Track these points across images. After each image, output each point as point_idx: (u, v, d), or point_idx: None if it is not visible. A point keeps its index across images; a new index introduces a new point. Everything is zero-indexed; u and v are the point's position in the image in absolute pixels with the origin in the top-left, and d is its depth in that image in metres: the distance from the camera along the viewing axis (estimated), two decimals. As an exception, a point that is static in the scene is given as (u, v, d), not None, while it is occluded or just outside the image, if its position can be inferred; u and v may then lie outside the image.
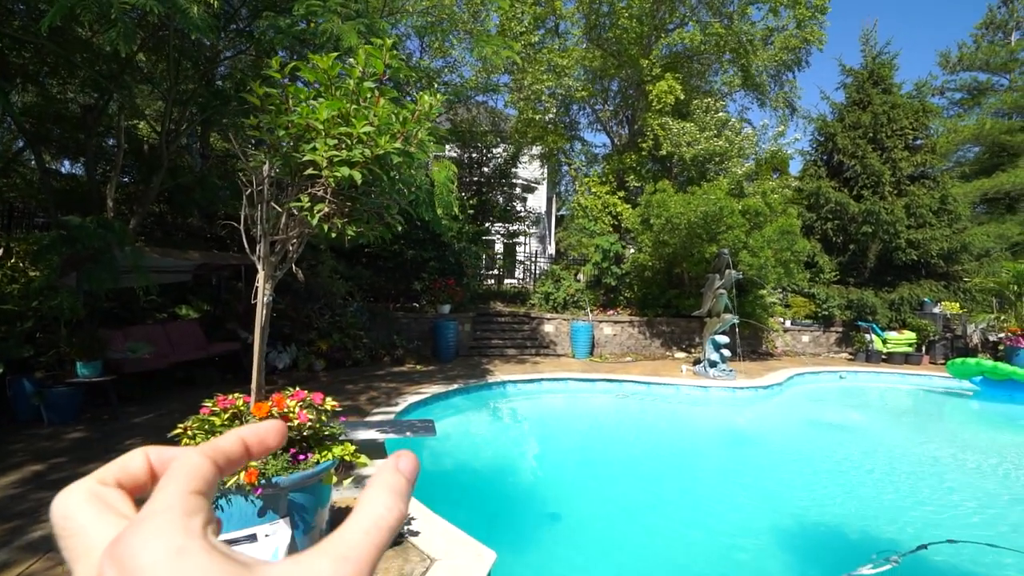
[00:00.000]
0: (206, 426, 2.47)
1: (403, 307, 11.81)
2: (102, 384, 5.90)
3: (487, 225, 15.81)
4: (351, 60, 2.68)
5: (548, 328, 13.00)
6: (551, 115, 14.88)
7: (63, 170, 11.90)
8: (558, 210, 28.01)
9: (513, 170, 15.56)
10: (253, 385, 2.55)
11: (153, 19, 3.70)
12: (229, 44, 6.99)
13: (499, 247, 19.89)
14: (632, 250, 14.43)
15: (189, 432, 2.39)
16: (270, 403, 2.43)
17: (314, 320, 9.22)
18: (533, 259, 17.52)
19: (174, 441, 5.20)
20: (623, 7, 12.82)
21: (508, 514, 4.88)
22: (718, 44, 13.93)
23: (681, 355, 12.98)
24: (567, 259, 18.42)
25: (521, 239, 17.54)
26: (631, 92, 16.17)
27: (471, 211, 14.48)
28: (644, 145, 14.03)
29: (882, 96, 15.01)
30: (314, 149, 2.25)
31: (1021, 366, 11.19)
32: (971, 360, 10.84)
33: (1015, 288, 13.59)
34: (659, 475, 6.01)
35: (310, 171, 2.48)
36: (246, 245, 2.65)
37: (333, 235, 2.49)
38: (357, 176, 2.21)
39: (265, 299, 2.56)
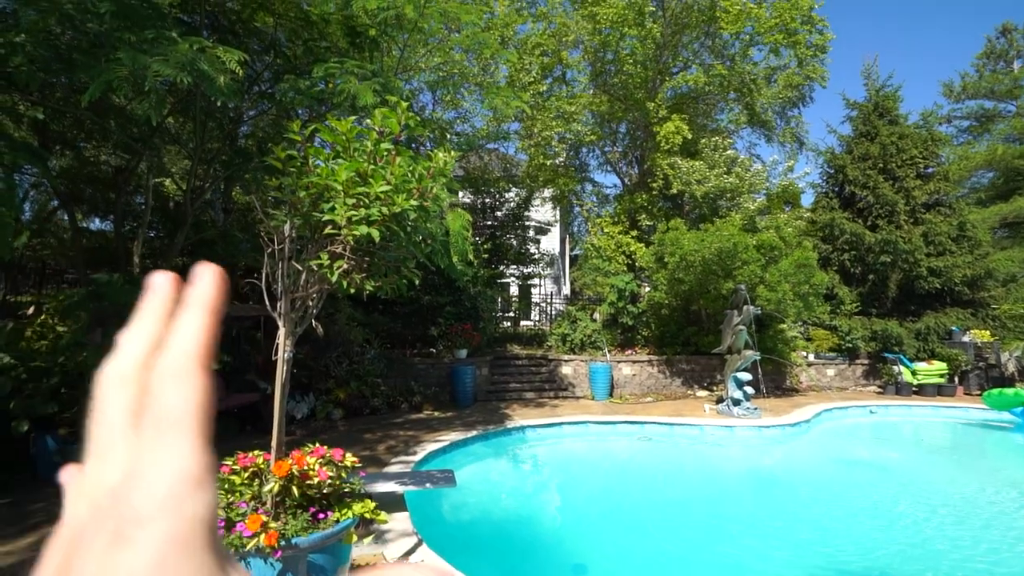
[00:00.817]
0: (226, 485, 2.46)
1: (420, 353, 11.81)
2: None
3: (502, 268, 15.94)
4: (367, 121, 2.81)
5: (566, 370, 12.84)
6: (561, 159, 15.22)
7: (93, 227, 12.42)
8: (571, 250, 28.21)
9: (526, 213, 15.80)
10: (273, 442, 2.54)
11: (182, 86, 3.93)
12: (252, 105, 7.37)
13: (514, 289, 19.98)
14: (647, 288, 14.37)
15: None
16: (290, 461, 2.42)
17: (332, 368, 9.25)
18: (549, 300, 17.52)
19: None
20: (627, 54, 13.28)
21: (530, 566, 4.71)
22: (722, 84, 14.27)
23: (703, 393, 12.68)
24: (582, 299, 18.39)
25: (536, 281, 17.62)
26: (639, 133, 16.53)
27: (485, 255, 14.65)
28: (655, 185, 14.21)
29: (889, 127, 15.12)
30: (333, 209, 2.32)
31: (1062, 396, 10.71)
32: (1009, 390, 10.40)
33: (1047, 314, 13.18)
34: (686, 522, 5.77)
35: (328, 229, 2.55)
36: (267, 301, 2.71)
37: (352, 290, 2.54)
38: (375, 234, 2.28)
39: (286, 355, 2.59)
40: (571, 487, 7.34)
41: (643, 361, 13.08)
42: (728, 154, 13.40)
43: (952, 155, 19.48)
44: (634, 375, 13.00)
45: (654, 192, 14.69)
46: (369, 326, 10.92)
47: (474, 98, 12.10)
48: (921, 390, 12.72)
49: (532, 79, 13.02)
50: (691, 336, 13.32)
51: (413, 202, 2.34)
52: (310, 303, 2.70)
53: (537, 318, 19.76)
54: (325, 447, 2.66)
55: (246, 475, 2.51)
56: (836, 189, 15.95)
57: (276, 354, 2.63)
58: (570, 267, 28.03)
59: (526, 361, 13.18)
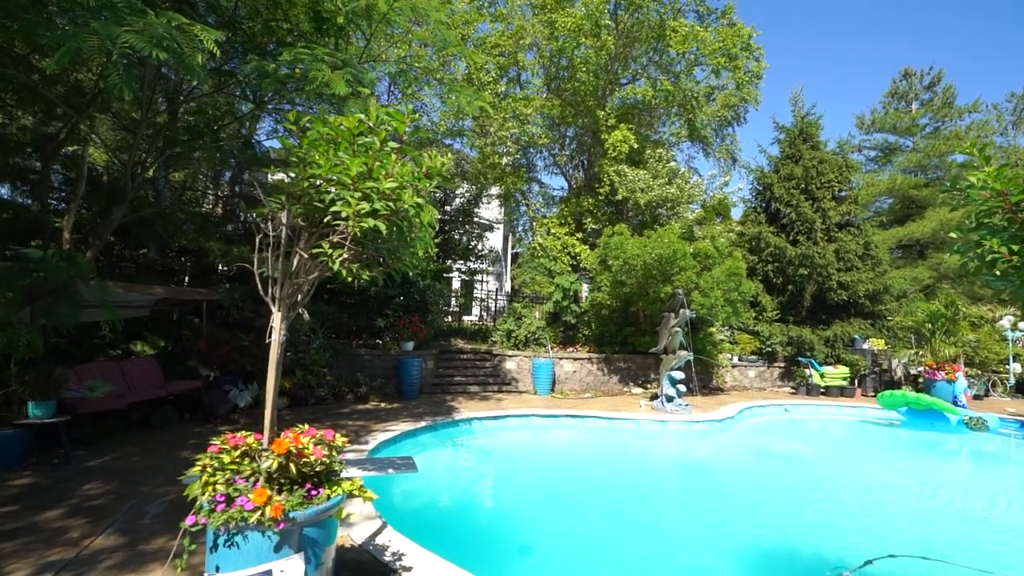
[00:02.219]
0: (216, 463, 2.52)
1: (366, 344, 11.72)
2: (53, 426, 5.58)
3: (448, 263, 16.04)
4: (362, 116, 2.92)
5: (510, 365, 13.17)
6: (510, 158, 15.52)
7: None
8: (513, 248, 28.65)
9: (475, 209, 15.97)
10: (267, 421, 2.62)
11: (153, 61, 3.82)
12: (205, 81, 7.07)
13: (455, 284, 20.08)
14: (586, 288, 14.98)
15: (209, 470, 2.43)
16: (288, 440, 2.51)
17: (277, 357, 9.02)
18: (494, 296, 17.79)
19: (152, 484, 4.96)
20: (581, 62, 13.77)
21: (480, 548, 4.95)
22: (667, 99, 15.12)
23: (638, 391, 13.43)
24: (522, 296, 18.85)
25: (481, 277, 17.82)
26: (586, 139, 17.15)
27: (435, 249, 14.70)
28: (601, 190, 14.83)
29: (811, 152, 16.65)
30: (345, 202, 2.44)
31: (938, 396, 12.36)
32: (898, 392, 11.87)
33: (929, 326, 15.07)
34: (623, 507, 6.22)
35: (328, 219, 2.66)
36: (259, 285, 2.77)
37: (350, 279, 2.66)
38: (382, 226, 2.42)
39: (280, 338, 2.67)
40: (517, 475, 7.65)
41: (583, 359, 13.65)
42: (671, 166, 14.24)
43: (861, 181, 21.67)
44: (575, 371, 13.55)
45: (600, 197, 15.32)
46: (315, 315, 10.70)
47: (433, 93, 12.16)
48: (827, 391, 14.18)
49: (491, 79, 13.23)
50: (629, 336, 14.05)
51: (418, 199, 2.51)
52: (305, 289, 2.79)
53: (480, 314, 20.01)
54: (315, 428, 2.76)
55: (236, 454, 2.57)
56: (764, 205, 17.34)
57: (269, 337, 2.70)
58: (511, 265, 28.48)
59: (471, 355, 13.39)
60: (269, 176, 12.01)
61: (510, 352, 13.30)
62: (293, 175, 2.65)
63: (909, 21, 49.08)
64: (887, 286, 16.30)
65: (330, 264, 2.57)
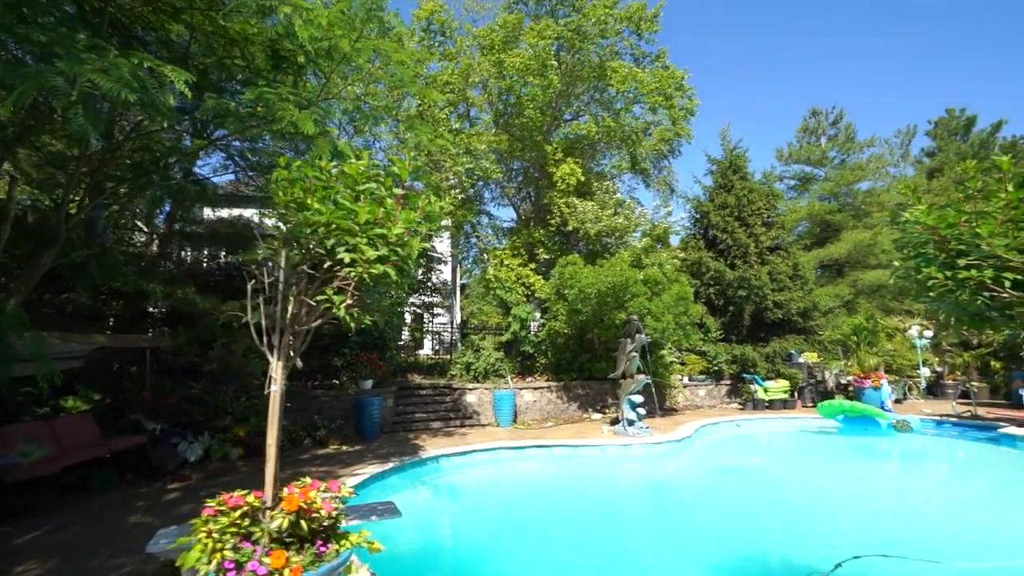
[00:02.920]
0: (216, 527, 2.37)
1: (322, 384, 11.25)
2: (-26, 499, 4.97)
3: (403, 296, 15.81)
4: (364, 163, 2.95)
5: (471, 398, 13.03)
6: (465, 193, 15.73)
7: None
8: (460, 279, 28.67)
9: (432, 243, 15.95)
10: (269, 477, 2.50)
11: (119, 103, 3.68)
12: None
13: (407, 318, 19.79)
14: (538, 316, 15.17)
15: (215, 535, 2.28)
16: (296, 494, 2.41)
17: (229, 404, 8.49)
18: (451, 329, 17.66)
19: (101, 556, 4.45)
20: (528, 100, 14.33)
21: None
22: (609, 134, 15.93)
23: (597, 416, 13.63)
24: (471, 327, 18.83)
25: (437, 310, 17.69)
26: (534, 172, 17.67)
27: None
28: (552, 221, 15.27)
29: (741, 182, 18.00)
30: (349, 248, 2.44)
31: (868, 403, 13.41)
32: (835, 402, 12.78)
33: (855, 338, 16.40)
34: (598, 533, 6.30)
35: (329, 265, 2.65)
36: (253, 334, 2.69)
37: (352, 325, 2.64)
38: (392, 272, 2.44)
39: (280, 388, 2.59)
40: (491, 511, 7.53)
41: (543, 387, 13.74)
42: (617, 197, 14.93)
43: (785, 208, 23.55)
44: (535, 401, 13.59)
45: (551, 228, 15.75)
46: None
47: (388, 129, 12.18)
48: (771, 404, 15.01)
49: (443, 115, 13.48)
50: (585, 363, 14.32)
51: (425, 244, 2.55)
52: (302, 336, 2.73)
53: (433, 347, 19.71)
54: (319, 481, 2.66)
55: (236, 515, 2.44)
56: (702, 232, 18.45)
57: (268, 388, 2.61)
58: (459, 296, 28.42)
59: (430, 391, 13.14)
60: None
61: (470, 385, 13.18)
62: (303, 220, 2.62)
63: (814, 65, 54.82)
64: (815, 303, 17.66)
65: (335, 311, 2.54)
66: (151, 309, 11.80)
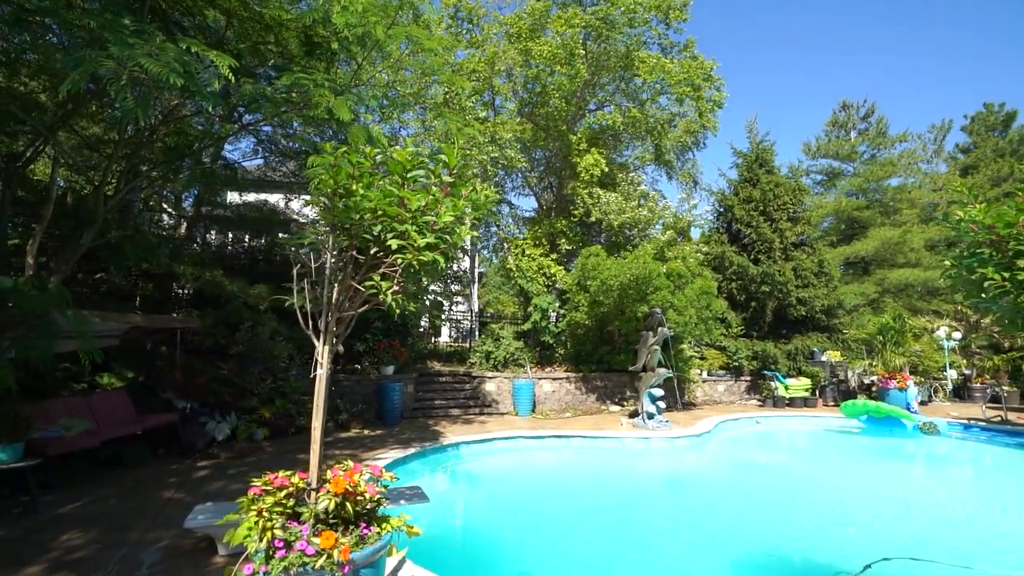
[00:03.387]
0: (262, 507, 2.43)
1: (344, 369, 11.41)
2: (19, 471, 5.16)
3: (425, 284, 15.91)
4: (413, 150, 2.94)
5: (490, 387, 13.11)
6: (488, 181, 15.69)
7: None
8: (478, 268, 28.76)
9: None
10: (315, 459, 2.55)
11: (168, 87, 3.72)
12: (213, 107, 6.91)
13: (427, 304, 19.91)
14: (556, 306, 15.11)
15: (266, 515, 2.33)
16: (342, 476, 2.45)
17: (255, 386, 8.67)
18: (469, 317, 17.74)
19: (139, 529, 4.59)
20: (554, 89, 14.18)
21: (488, 572, 4.93)
22: (635, 125, 15.71)
23: (615, 408, 13.62)
24: (486, 316, 18.86)
25: (457, 298, 17.77)
26: (556, 162, 17.54)
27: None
28: (576, 212, 15.17)
29: (767, 176, 17.65)
30: (398, 235, 2.45)
31: (892, 404, 13.16)
32: (859, 402, 12.56)
33: (880, 338, 16.08)
34: (617, 526, 6.30)
35: (375, 251, 2.66)
36: (300, 319, 2.73)
37: (397, 311, 2.66)
38: (441, 260, 2.45)
39: (326, 372, 2.63)
40: (511, 500, 7.59)
41: (562, 378, 13.76)
42: (642, 189, 14.76)
43: (810, 203, 23.05)
44: (553, 391, 13.62)
45: (574, 218, 15.66)
46: (291, 340, 10.36)
47: (415, 116, 12.20)
48: (792, 402, 14.81)
49: (470, 104, 13.43)
50: (605, 355, 14.28)
51: (474, 233, 2.55)
52: (346, 320, 2.76)
53: (450, 334, 19.85)
54: (361, 464, 2.71)
55: (281, 495, 2.49)
56: (725, 226, 18.18)
57: (314, 371, 2.65)
58: (477, 285, 28.52)
59: (450, 378, 13.26)
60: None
61: (489, 374, 13.25)
62: (353, 205, 2.62)
63: (846, 56, 53.28)
64: (840, 301, 17.32)
65: (382, 296, 2.56)
66: (178, 290, 12.07)
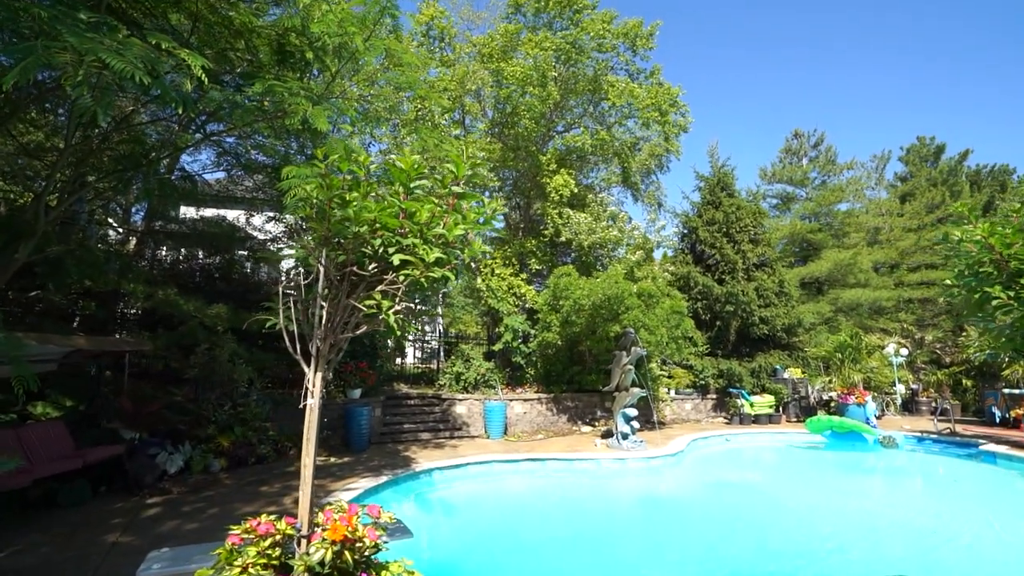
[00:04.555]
0: (245, 560, 2.10)
1: (308, 392, 10.79)
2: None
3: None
4: (417, 158, 2.74)
5: (460, 409, 12.72)
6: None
7: None
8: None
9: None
10: (305, 501, 2.24)
11: (130, 85, 3.38)
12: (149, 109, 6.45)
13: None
14: (527, 326, 14.97)
15: (252, 571, 2.00)
16: (339, 520, 2.15)
17: (212, 412, 8.04)
18: (437, 338, 17.33)
19: None
20: (524, 109, 14.26)
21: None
22: (603, 147, 15.97)
23: (587, 428, 13.46)
24: (450, 336, 18.51)
25: (425, 319, 17.33)
26: (525, 182, 17.58)
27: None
28: (546, 232, 15.16)
29: (729, 199, 18.24)
30: (401, 249, 2.23)
31: (852, 418, 13.59)
32: (823, 417, 12.90)
33: (839, 355, 16.68)
34: (598, 551, 6.11)
35: (373, 267, 2.43)
36: (287, 343, 2.44)
37: (398, 333, 2.42)
38: (451, 276, 2.24)
39: (318, 402, 2.34)
40: (488, 527, 7.26)
41: (533, 399, 13.51)
42: (611, 210, 14.93)
43: (769, 226, 23.99)
44: (525, 413, 13.35)
45: (544, 239, 15.65)
46: (251, 363, 9.74)
47: (387, 132, 11.92)
48: (757, 419, 15.08)
49: (442, 122, 13.30)
50: (575, 375, 14.17)
51: (486, 247, 2.35)
52: (341, 346, 2.49)
53: (415, 355, 19.29)
54: (358, 505, 2.41)
55: (265, 544, 2.17)
56: (690, 247, 18.61)
57: (304, 400, 2.36)
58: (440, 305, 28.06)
59: (418, 401, 12.80)
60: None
61: (460, 396, 12.88)
62: (350, 218, 2.37)
63: (796, 85, 56.57)
64: (800, 320, 17.93)
65: (383, 316, 2.31)
66: (124, 310, 11.22)
